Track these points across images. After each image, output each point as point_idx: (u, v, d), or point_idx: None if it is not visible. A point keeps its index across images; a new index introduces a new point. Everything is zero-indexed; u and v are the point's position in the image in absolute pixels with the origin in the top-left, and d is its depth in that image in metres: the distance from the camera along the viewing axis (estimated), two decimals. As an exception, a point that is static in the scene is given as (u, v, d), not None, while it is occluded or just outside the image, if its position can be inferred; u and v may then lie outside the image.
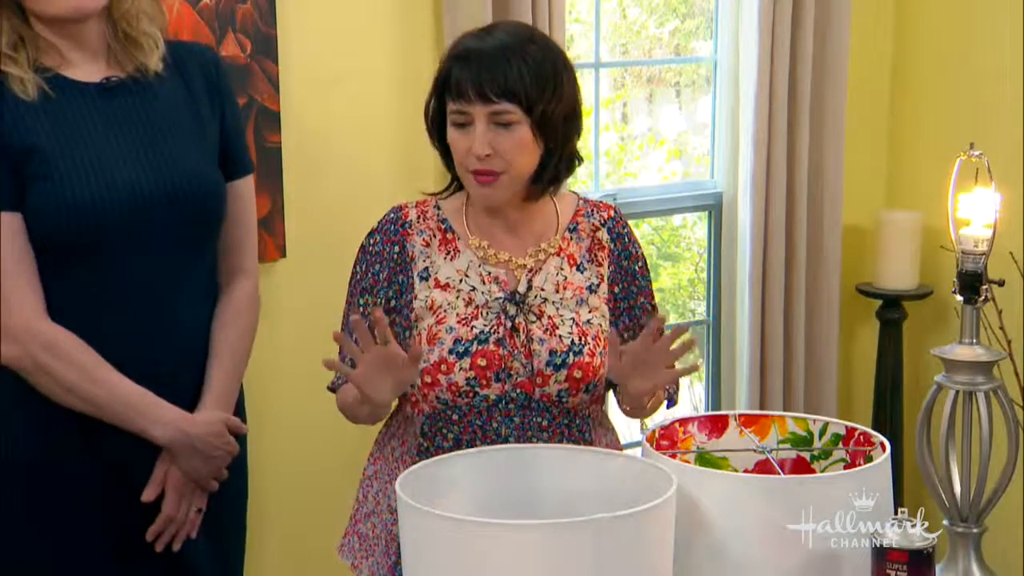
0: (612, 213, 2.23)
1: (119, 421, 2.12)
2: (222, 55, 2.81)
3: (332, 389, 2.19)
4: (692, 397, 4.15)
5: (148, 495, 2.16)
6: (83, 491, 2.14)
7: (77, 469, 2.13)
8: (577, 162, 2.16)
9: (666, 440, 2.16)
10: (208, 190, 2.20)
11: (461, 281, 2.11)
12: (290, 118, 2.94)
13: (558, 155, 2.09)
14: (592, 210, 2.22)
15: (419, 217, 2.15)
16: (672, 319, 4.25)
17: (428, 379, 2.08)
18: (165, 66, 2.19)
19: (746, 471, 2.17)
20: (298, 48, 2.94)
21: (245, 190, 2.30)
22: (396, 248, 2.13)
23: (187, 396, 2.19)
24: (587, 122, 3.50)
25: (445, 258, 2.12)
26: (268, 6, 2.86)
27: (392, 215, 2.17)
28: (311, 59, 2.96)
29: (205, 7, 2.79)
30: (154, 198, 2.12)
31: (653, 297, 2.26)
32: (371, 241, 2.16)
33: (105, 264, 2.10)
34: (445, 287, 2.10)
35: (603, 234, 2.20)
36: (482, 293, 2.10)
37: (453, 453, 2.04)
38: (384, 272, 2.13)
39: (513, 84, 2.01)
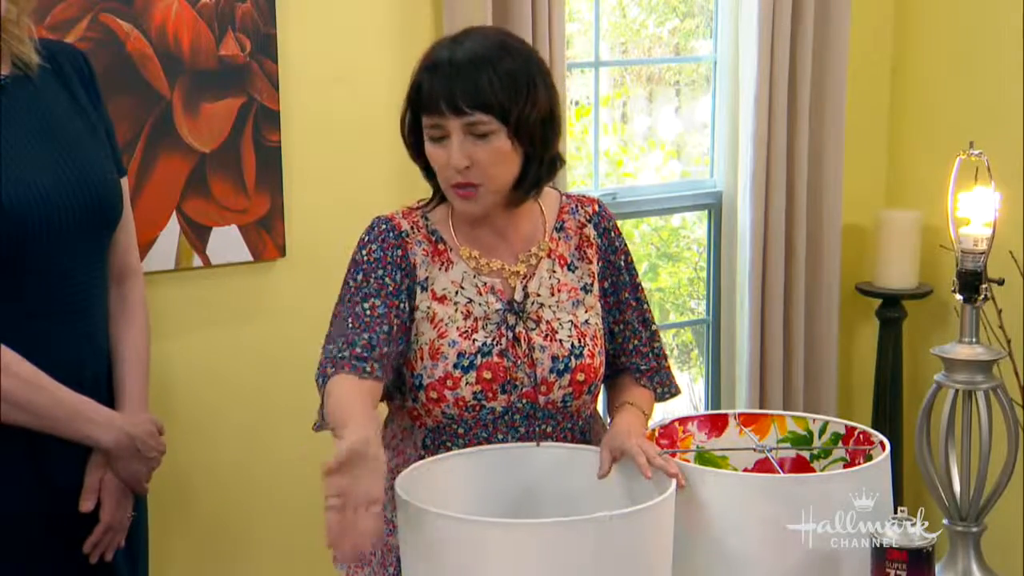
0: (596, 207, 2.20)
1: (61, 428, 2.08)
2: (223, 54, 2.82)
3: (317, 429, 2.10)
4: (692, 396, 4.15)
5: (87, 505, 2.13)
6: (26, 514, 2.09)
7: (16, 489, 2.08)
8: (559, 163, 2.11)
9: (666, 439, 2.16)
10: (114, 191, 2.18)
11: (457, 293, 2.08)
12: (290, 117, 2.94)
13: (538, 160, 2.04)
14: (576, 206, 2.19)
15: (412, 228, 2.10)
16: (672, 318, 4.25)
17: (434, 395, 2.05)
18: (42, 66, 2.13)
19: (746, 470, 2.17)
20: (298, 47, 2.94)
21: (125, 191, 2.25)
22: (399, 252, 2.07)
23: (106, 399, 2.17)
24: (587, 122, 3.52)
25: (440, 269, 2.08)
26: (268, 5, 2.86)
27: (383, 225, 2.10)
28: (311, 58, 2.96)
29: (204, 6, 2.79)
30: (72, 202, 2.08)
31: (640, 290, 2.24)
32: (367, 251, 2.08)
33: (26, 271, 2.05)
34: (442, 299, 2.07)
35: (590, 230, 2.17)
36: (480, 305, 2.07)
37: (453, 452, 2.05)
38: (397, 274, 2.06)
39: (485, 94, 1.96)
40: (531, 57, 2.05)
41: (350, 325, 2.02)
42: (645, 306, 2.24)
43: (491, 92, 1.97)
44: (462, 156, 1.98)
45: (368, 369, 1.95)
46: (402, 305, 2.05)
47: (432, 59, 2.02)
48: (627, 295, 2.21)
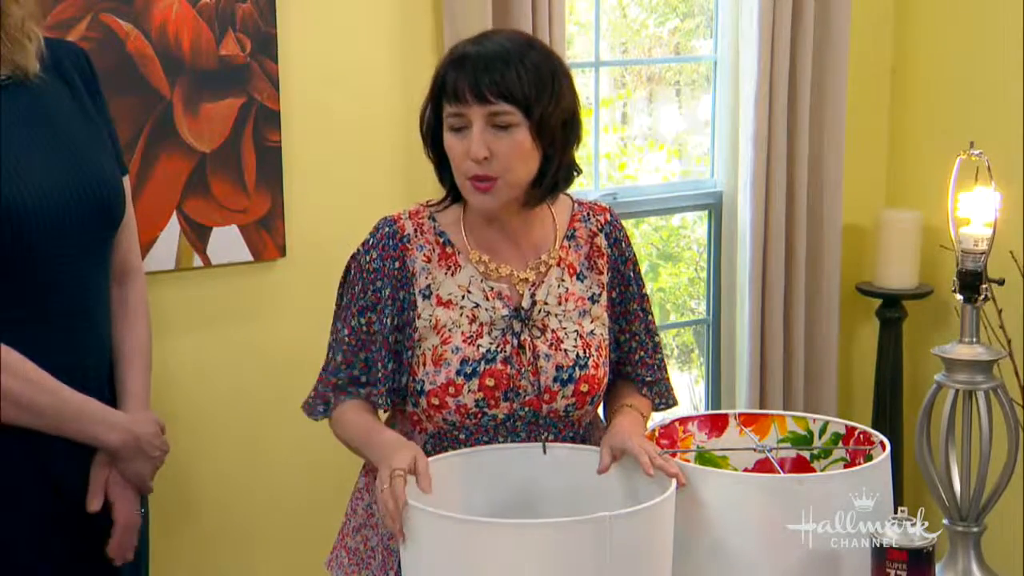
0: (608, 217, 2.20)
1: (65, 429, 2.07)
2: (223, 54, 2.82)
3: (309, 412, 2.14)
4: (692, 396, 4.15)
5: (94, 504, 2.12)
6: (29, 514, 2.08)
7: (21, 488, 2.07)
8: (576, 173, 2.11)
9: (666, 439, 2.16)
10: (117, 191, 2.17)
11: (463, 297, 2.06)
12: (290, 117, 2.94)
13: (557, 162, 2.03)
14: (588, 214, 2.18)
15: (416, 231, 2.09)
16: (672, 318, 4.25)
17: (436, 401, 2.04)
18: (44, 66, 2.12)
19: (746, 470, 2.17)
20: (298, 47, 2.94)
21: (127, 189, 2.25)
22: (397, 264, 2.07)
23: (108, 399, 2.17)
24: (587, 122, 3.51)
25: (446, 273, 2.07)
26: (268, 5, 2.86)
27: (387, 229, 2.09)
28: (311, 58, 2.96)
29: (205, 6, 2.79)
30: (75, 201, 2.07)
31: (646, 301, 2.23)
32: (368, 258, 2.08)
33: (29, 271, 2.04)
34: (447, 304, 2.06)
35: (600, 240, 2.17)
36: (486, 310, 2.06)
37: (452, 452, 2.05)
38: (387, 289, 2.06)
39: (511, 85, 1.96)
40: (556, 59, 2.06)
41: (347, 340, 2.09)
42: (650, 317, 2.24)
43: (518, 84, 1.97)
44: (482, 146, 1.97)
45: (364, 394, 2.08)
46: (394, 320, 2.06)
47: (458, 54, 2.02)
48: (635, 306, 2.20)
